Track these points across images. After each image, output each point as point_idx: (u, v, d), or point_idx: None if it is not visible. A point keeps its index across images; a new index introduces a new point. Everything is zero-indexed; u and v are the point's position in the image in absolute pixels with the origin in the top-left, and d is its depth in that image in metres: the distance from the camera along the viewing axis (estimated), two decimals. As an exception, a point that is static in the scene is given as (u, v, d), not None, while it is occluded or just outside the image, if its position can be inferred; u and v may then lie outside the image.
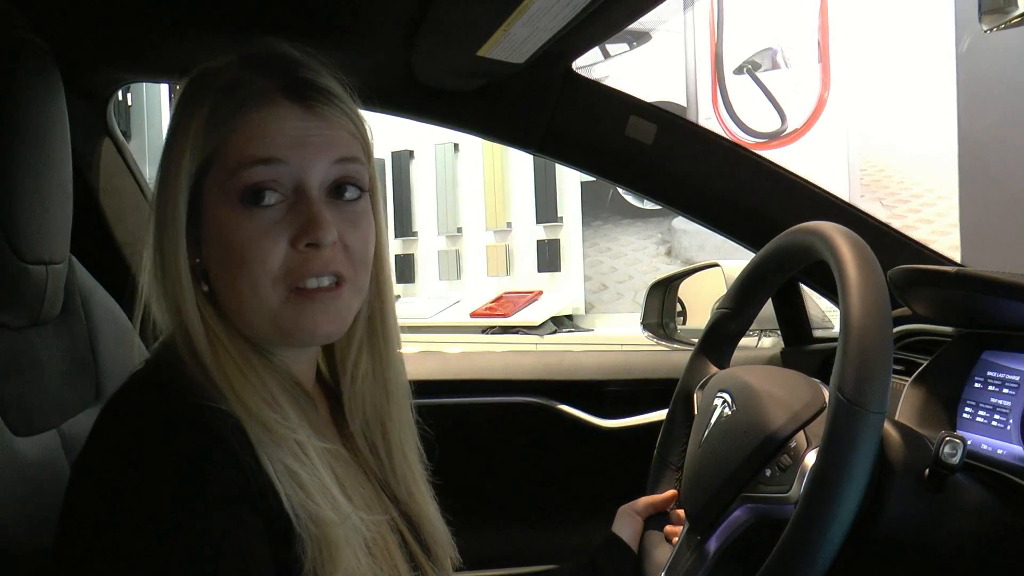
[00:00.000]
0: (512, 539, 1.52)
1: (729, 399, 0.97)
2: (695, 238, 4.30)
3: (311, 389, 0.90)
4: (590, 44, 1.37)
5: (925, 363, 1.14)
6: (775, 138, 4.10)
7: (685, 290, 1.83)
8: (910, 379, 1.14)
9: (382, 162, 5.40)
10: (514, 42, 1.18)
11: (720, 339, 1.13)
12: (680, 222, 4.40)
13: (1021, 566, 0.91)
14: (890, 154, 3.78)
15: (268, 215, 0.79)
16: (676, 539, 1.02)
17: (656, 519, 1.10)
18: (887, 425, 0.88)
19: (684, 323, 1.83)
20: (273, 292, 0.80)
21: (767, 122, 4.14)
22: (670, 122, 1.44)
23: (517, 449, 1.55)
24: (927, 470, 0.85)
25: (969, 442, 1.04)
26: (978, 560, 0.90)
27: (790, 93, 4.08)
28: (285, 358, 0.86)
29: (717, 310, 1.13)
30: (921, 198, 3.69)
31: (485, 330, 4.70)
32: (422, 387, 1.48)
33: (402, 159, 5.47)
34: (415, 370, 1.56)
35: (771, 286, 1.09)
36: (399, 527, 0.88)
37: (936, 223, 3.58)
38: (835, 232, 0.86)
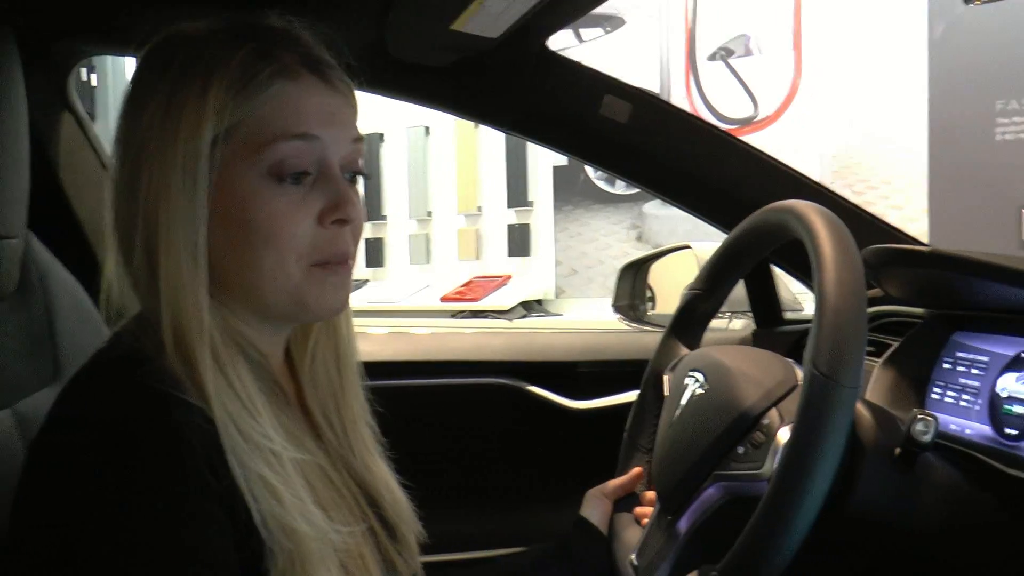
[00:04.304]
0: (481, 521, 1.51)
1: (701, 378, 0.96)
2: (666, 223, 4.30)
3: (280, 373, 0.88)
4: (565, 21, 1.35)
5: (896, 344, 1.14)
6: (747, 124, 4.12)
7: (655, 274, 1.83)
8: (881, 360, 1.14)
9: (353, 145, 5.35)
10: (488, 16, 1.16)
11: (691, 320, 1.12)
12: (651, 207, 4.41)
13: (987, 543, 0.92)
14: (861, 141, 3.81)
15: (297, 191, 0.78)
16: (646, 520, 1.01)
17: (626, 501, 1.09)
18: (859, 404, 0.88)
19: (654, 308, 1.82)
20: (296, 268, 0.78)
21: (740, 108, 4.15)
22: (645, 101, 1.42)
23: (486, 430, 1.54)
24: (898, 449, 0.85)
25: (939, 422, 1.05)
26: (946, 537, 0.91)
27: (763, 80, 4.09)
28: (268, 343, 0.84)
29: (689, 291, 1.12)
30: (891, 184, 3.72)
31: (455, 314, 4.69)
32: (390, 368, 1.49)
33: (373, 142, 5.42)
34: (384, 351, 1.56)
35: (744, 266, 1.08)
36: (371, 523, 0.86)
37: (906, 209, 3.61)
38: (809, 209, 0.86)
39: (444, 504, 1.36)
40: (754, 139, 1.57)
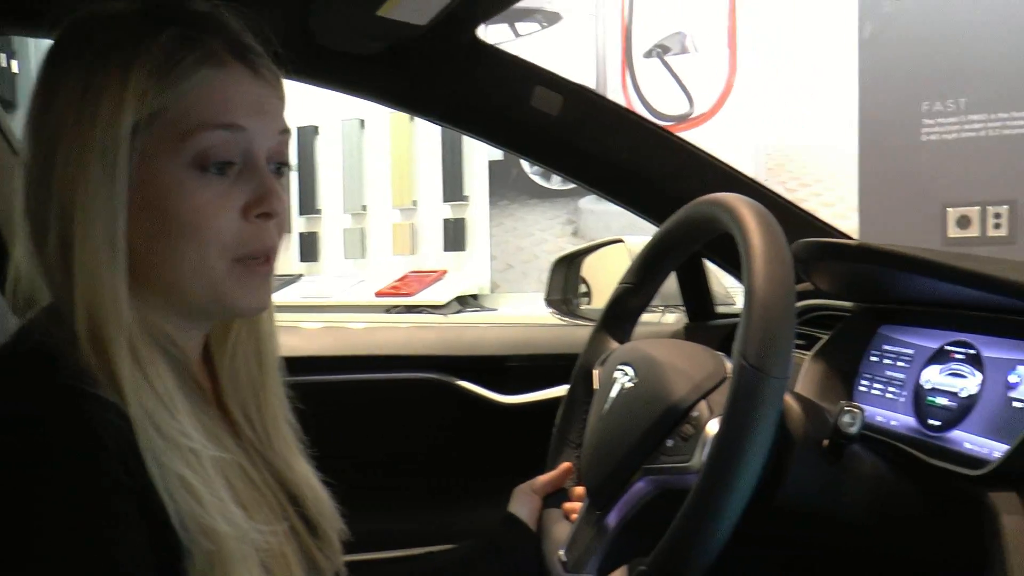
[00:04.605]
0: (409, 518, 1.48)
1: (631, 372, 0.95)
2: (601, 218, 4.31)
3: (198, 370, 0.85)
4: (495, 9, 1.33)
5: (825, 337, 1.15)
6: (683, 121, 4.15)
7: (590, 269, 1.82)
8: (811, 353, 1.15)
9: (286, 137, 5.28)
10: (416, 2, 1.13)
11: (621, 314, 1.11)
12: (586, 202, 4.42)
13: (912, 533, 0.92)
14: (795, 139, 3.86)
15: (221, 183, 0.75)
16: (576, 515, 1.00)
17: (555, 496, 1.07)
18: (788, 396, 0.88)
19: (589, 302, 1.81)
20: (218, 262, 0.76)
21: (676, 105, 4.18)
22: (577, 94, 1.41)
23: (414, 426, 1.51)
24: (826, 441, 0.85)
25: (866, 414, 1.06)
26: (873, 527, 0.92)
27: (698, 77, 4.12)
28: (187, 339, 0.81)
29: (619, 285, 1.11)
30: (823, 182, 3.78)
31: (389, 309, 4.65)
32: (316, 363, 1.45)
33: (307, 134, 5.34)
34: (310, 346, 1.52)
35: (675, 260, 1.08)
36: (292, 522, 0.84)
37: (837, 206, 3.67)
38: (739, 203, 0.85)
39: (371, 501, 1.34)
40: (690, 136, 1.57)
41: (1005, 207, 2.99)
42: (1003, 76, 2.98)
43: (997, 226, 3.01)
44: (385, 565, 1.29)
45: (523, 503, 1.07)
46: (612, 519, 0.90)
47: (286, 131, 0.81)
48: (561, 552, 0.97)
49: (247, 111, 0.76)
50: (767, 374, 0.73)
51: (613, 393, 0.96)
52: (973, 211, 3.04)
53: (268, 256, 0.79)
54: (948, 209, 3.07)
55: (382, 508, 1.40)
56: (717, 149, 1.47)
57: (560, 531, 1.02)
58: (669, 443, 0.86)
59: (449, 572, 1.05)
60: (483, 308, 4.71)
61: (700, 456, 0.83)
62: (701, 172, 1.40)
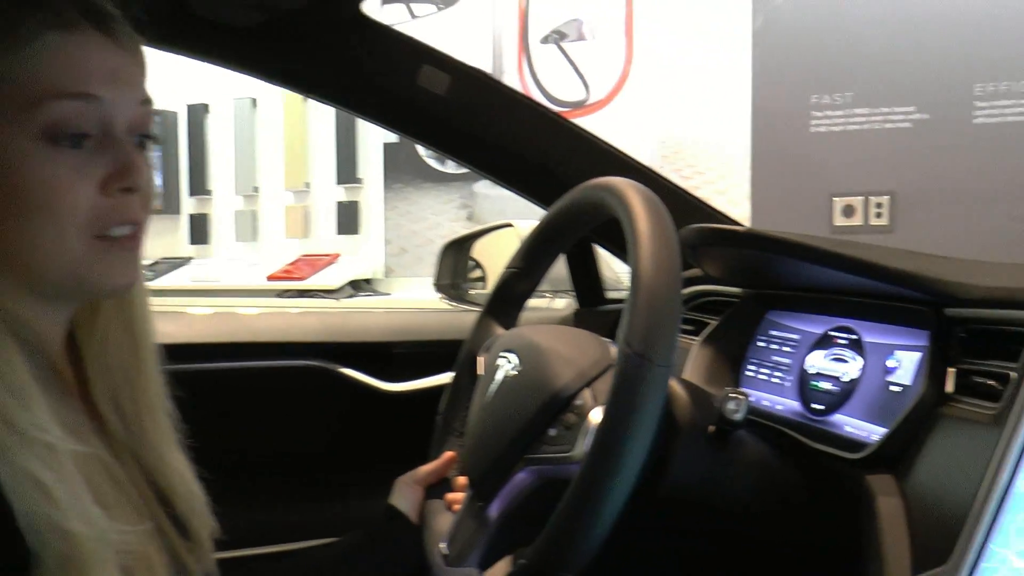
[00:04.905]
0: (289, 512, 1.43)
1: (515, 359, 0.92)
2: (496, 203, 4.28)
3: (60, 358, 0.79)
4: (382, -17, 1.28)
5: (714, 323, 1.15)
6: (579, 107, 4.15)
7: (483, 254, 1.79)
8: (699, 338, 1.15)
9: (175, 115, 5.09)
10: (294, -29, 1.08)
11: (508, 299, 1.08)
12: (481, 187, 4.39)
13: (796, 517, 0.93)
14: (690, 127, 3.90)
15: (76, 156, 0.70)
16: (458, 506, 0.97)
17: (438, 487, 1.04)
18: (674, 383, 0.87)
19: (485, 287, 1.78)
20: (77, 240, 0.71)
21: (572, 91, 4.18)
22: (465, 74, 1.37)
23: (295, 414, 1.45)
24: (712, 427, 0.85)
25: (752, 399, 1.07)
26: (757, 513, 0.92)
27: (595, 64, 4.12)
28: (45, 324, 0.76)
29: (506, 270, 1.08)
30: (716, 170, 3.83)
31: (281, 294, 4.53)
32: (192, 350, 1.38)
33: (197, 113, 5.16)
34: (189, 332, 1.45)
35: (562, 244, 1.05)
36: (160, 521, 0.79)
37: (730, 194, 3.73)
38: (627, 187, 0.83)
39: (251, 494, 1.28)
40: (586, 123, 1.56)
41: (886, 197, 3.09)
42: (887, 72, 3.07)
43: (879, 215, 3.11)
44: (262, 562, 1.24)
45: (405, 494, 1.03)
46: (494, 510, 0.88)
47: (148, 101, 0.76)
48: (442, 545, 0.94)
49: (102, 80, 0.71)
50: (651, 361, 0.71)
51: (496, 381, 0.93)
52: (857, 201, 3.13)
53: (133, 232, 0.75)
54: (834, 199, 3.16)
55: (262, 501, 1.35)
56: (612, 136, 1.46)
57: (442, 523, 0.98)
58: (552, 432, 0.84)
59: (328, 568, 1.01)
60: (377, 293, 4.63)
61: (583, 446, 0.80)
62: (591, 156, 1.38)
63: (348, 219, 4.85)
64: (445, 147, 1.40)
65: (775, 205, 3.24)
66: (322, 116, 4.78)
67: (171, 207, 5.12)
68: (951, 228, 2.96)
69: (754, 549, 0.97)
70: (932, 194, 3.03)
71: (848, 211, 3.15)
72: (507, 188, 1.44)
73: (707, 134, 3.85)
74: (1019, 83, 2.95)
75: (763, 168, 3.31)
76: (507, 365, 0.92)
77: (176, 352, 0.87)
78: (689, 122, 3.90)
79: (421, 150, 4.53)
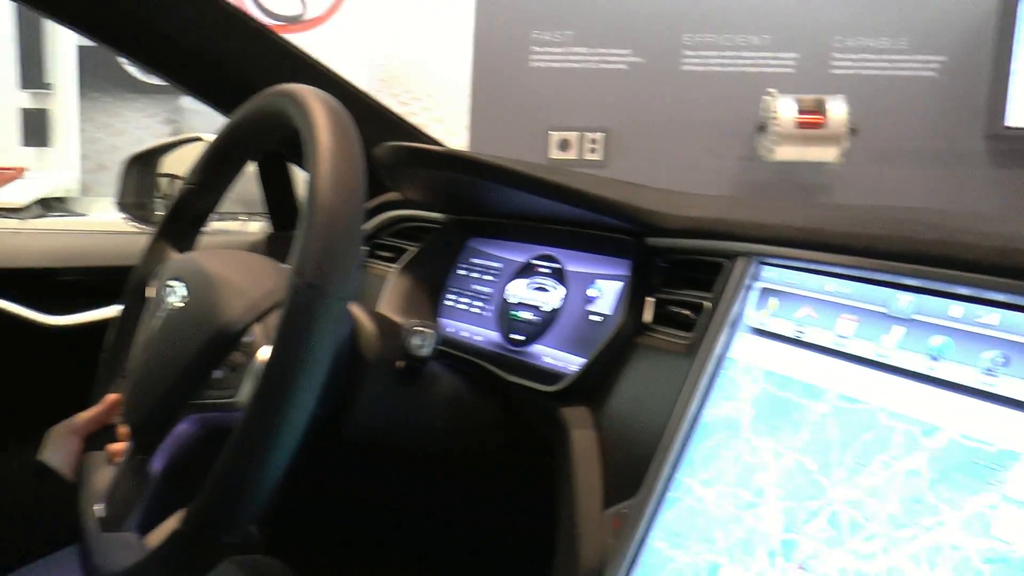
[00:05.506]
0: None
1: (182, 288, 0.80)
2: (206, 119, 3.98)
3: None
4: None
5: (413, 250, 1.08)
6: (295, 23, 3.94)
7: (175, 169, 1.61)
8: (398, 266, 1.08)
9: None
10: None
11: (184, 220, 0.95)
12: (190, 101, 4.07)
13: (493, 454, 0.89)
14: (409, 52, 3.81)
15: None
16: (120, 459, 0.84)
17: (99, 437, 0.90)
18: (361, 316, 0.80)
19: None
20: None
21: (287, 5, 3.96)
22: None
23: None
24: (401, 362, 0.78)
25: (451, 329, 1.01)
26: (451, 450, 0.87)
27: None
28: None
29: (182, 186, 0.95)
30: (434, 97, 3.78)
31: (-52, 212, 4.00)
32: None
33: None
34: None
35: (244, 158, 0.93)
36: None
37: (448, 123, 3.69)
38: (308, 94, 0.73)
39: None
40: (301, 40, 1.44)
41: (601, 134, 3.20)
42: (606, 15, 3.16)
43: (593, 150, 3.22)
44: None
45: (59, 447, 0.89)
46: (157, 464, 0.77)
47: None
48: (99, 506, 0.81)
49: None
50: (325, 293, 0.62)
51: (160, 314, 0.81)
52: (573, 136, 3.22)
53: None
54: (551, 133, 3.23)
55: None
56: (329, 55, 1.32)
57: (102, 480, 0.85)
58: (218, 374, 0.73)
59: None
60: (72, 213, 4.20)
61: (249, 389, 0.70)
62: (280, 61, 1.24)
63: (36, 129, 4.34)
64: (111, 40, 1.21)
65: (493, 136, 3.27)
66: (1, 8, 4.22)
67: None
68: (660, 164, 3.12)
69: (450, 490, 0.92)
70: (643, 132, 3.18)
71: (564, 145, 3.24)
72: (186, 92, 1.27)
73: (428, 60, 3.79)
74: (722, 36, 3.15)
75: (483, 99, 3.32)
76: (172, 296, 0.80)
77: None
78: (410, 46, 3.82)
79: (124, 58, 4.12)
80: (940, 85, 3.10)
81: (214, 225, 1.01)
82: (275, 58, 1.22)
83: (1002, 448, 0.53)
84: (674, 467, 0.72)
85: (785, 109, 2.94)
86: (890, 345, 0.61)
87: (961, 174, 3.08)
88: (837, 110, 2.92)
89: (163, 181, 1.63)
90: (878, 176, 3.08)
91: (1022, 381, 0.54)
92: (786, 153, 2.98)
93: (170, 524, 0.69)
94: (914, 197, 3.00)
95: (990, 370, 0.55)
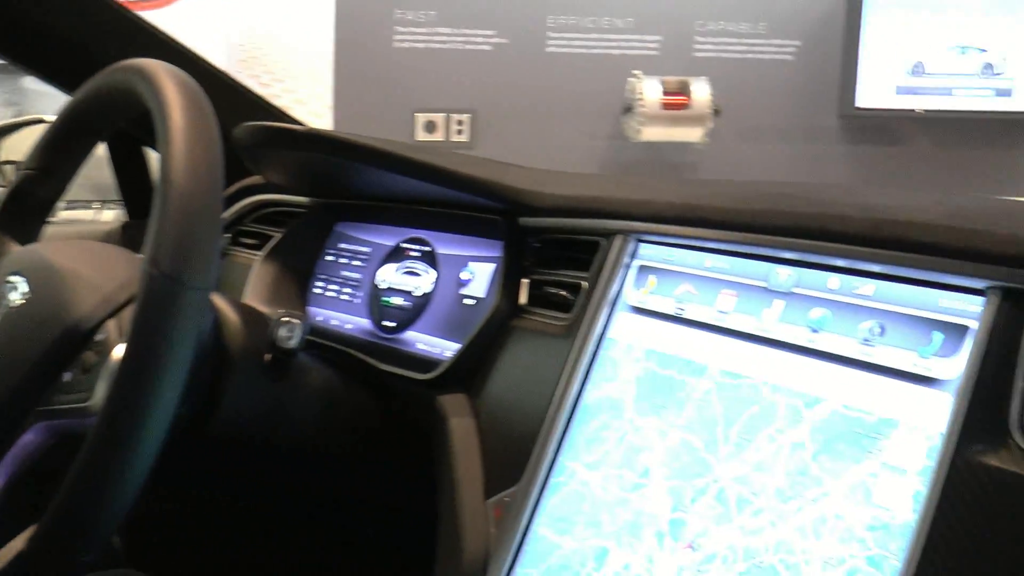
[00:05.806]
0: None
1: (23, 284, 0.73)
2: (51, 101, 3.76)
3: None
4: None
5: (278, 236, 1.04)
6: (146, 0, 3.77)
7: (15, 153, 1.51)
8: (263, 254, 1.03)
9: None
10: None
11: (24, 208, 0.87)
12: (33, 81, 3.84)
13: (368, 445, 0.86)
14: (269, 32, 3.70)
15: None
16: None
17: None
18: (225, 307, 0.76)
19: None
20: None
21: (138, -18, 3.77)
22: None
23: None
24: (268, 355, 0.74)
25: (320, 318, 0.97)
26: (325, 444, 0.84)
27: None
28: None
29: (21, 171, 0.87)
30: (297, 79, 3.67)
31: None
32: None
33: None
34: None
35: (89, 139, 0.86)
36: None
37: (311, 104, 3.60)
38: (159, 69, 0.67)
39: None
40: (155, 17, 1.36)
41: (467, 115, 3.19)
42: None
43: (460, 132, 3.21)
44: None
45: None
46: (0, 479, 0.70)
47: None
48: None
49: None
50: (183, 284, 0.57)
51: (0, 312, 0.74)
52: (439, 117, 3.21)
53: None
54: (416, 114, 3.20)
55: None
56: (185, 34, 1.24)
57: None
58: (67, 376, 0.67)
59: None
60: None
61: (104, 391, 0.65)
62: (131, 38, 1.15)
63: None
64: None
65: (358, 118, 3.22)
66: None
67: None
68: (528, 145, 3.12)
69: (326, 487, 0.89)
70: (510, 113, 3.18)
71: (430, 127, 3.22)
72: (23, 68, 1.17)
73: (289, 40, 3.68)
74: (586, 18, 3.19)
75: (346, 79, 3.26)
76: (14, 292, 0.73)
77: None
78: (270, 25, 3.70)
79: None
80: (796, 68, 3.22)
81: (63, 214, 0.94)
82: (126, 35, 1.14)
83: (881, 416, 0.53)
84: (556, 451, 0.70)
85: (650, 91, 2.99)
86: (771, 319, 0.61)
87: (817, 151, 3.23)
88: (701, 91, 3.00)
89: (8, 168, 1.53)
90: (741, 154, 3.18)
91: (897, 350, 0.54)
92: (652, 133, 3.04)
93: (16, 545, 0.63)
94: (775, 173, 3.12)
95: (867, 340, 0.56)
